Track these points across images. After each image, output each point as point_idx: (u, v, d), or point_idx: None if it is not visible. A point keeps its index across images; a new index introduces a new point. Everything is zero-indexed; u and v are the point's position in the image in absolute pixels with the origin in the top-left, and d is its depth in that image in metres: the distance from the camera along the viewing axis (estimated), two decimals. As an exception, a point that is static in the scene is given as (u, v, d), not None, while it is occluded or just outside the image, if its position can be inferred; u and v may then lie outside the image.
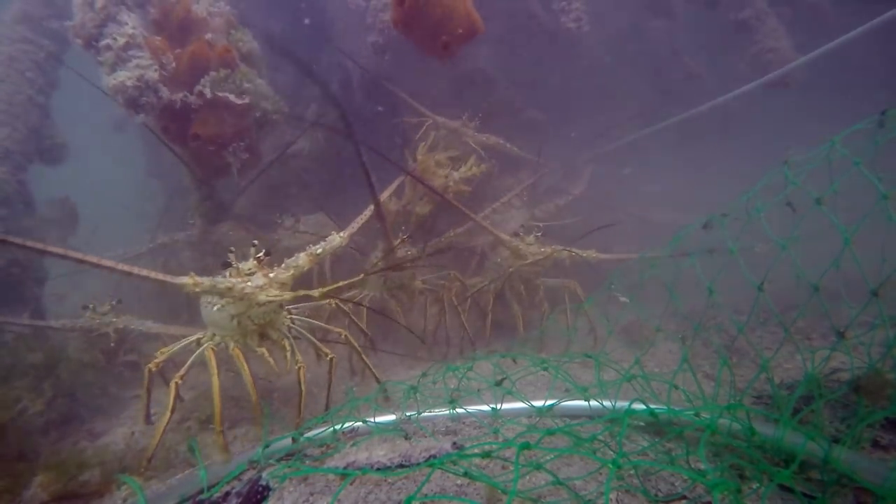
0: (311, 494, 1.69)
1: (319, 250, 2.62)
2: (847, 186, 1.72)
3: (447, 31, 4.01)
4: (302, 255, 2.58)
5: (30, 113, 4.54)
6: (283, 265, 2.52)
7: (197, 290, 2.19)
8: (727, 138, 7.48)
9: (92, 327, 3.66)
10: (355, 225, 2.95)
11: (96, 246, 5.53)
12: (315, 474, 1.79)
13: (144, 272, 2.10)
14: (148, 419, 2.82)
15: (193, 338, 2.67)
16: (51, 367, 2.92)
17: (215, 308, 2.51)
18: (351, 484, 1.69)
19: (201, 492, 1.77)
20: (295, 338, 2.67)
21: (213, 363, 2.36)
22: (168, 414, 2.30)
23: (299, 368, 2.54)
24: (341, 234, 2.79)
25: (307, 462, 1.90)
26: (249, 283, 2.35)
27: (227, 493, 1.51)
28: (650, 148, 7.14)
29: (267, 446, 2.06)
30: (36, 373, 2.85)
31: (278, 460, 1.93)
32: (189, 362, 2.50)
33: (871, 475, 1.49)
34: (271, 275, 2.45)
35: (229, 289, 2.29)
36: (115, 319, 3.76)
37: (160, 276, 2.13)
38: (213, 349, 2.44)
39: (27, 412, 2.66)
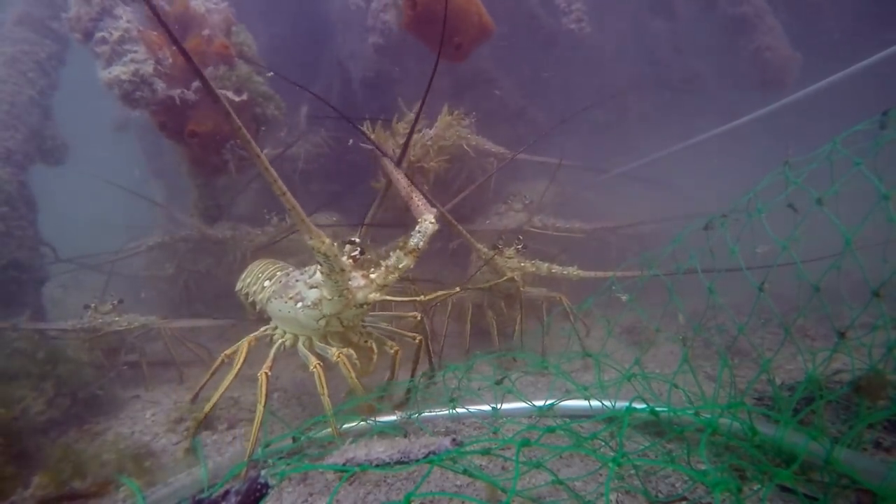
0: (311, 495, 1.69)
1: (421, 244, 2.26)
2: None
3: (459, 32, 4.00)
4: (401, 254, 2.27)
5: (31, 114, 4.54)
6: (382, 267, 2.31)
7: (322, 250, 1.98)
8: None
9: (94, 328, 3.66)
10: (418, 201, 2.48)
11: (96, 246, 5.54)
12: (314, 475, 1.79)
13: (292, 201, 1.82)
14: (195, 399, 2.90)
15: (262, 330, 2.57)
16: (52, 366, 2.90)
17: (299, 305, 2.35)
18: (350, 484, 1.69)
19: (202, 491, 1.76)
20: (375, 339, 2.49)
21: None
22: (261, 407, 2.14)
23: (395, 351, 2.51)
24: (430, 218, 2.35)
25: (306, 461, 1.90)
26: (351, 283, 2.20)
27: (227, 492, 1.50)
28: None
29: (267, 445, 2.07)
30: (37, 371, 2.83)
31: (279, 459, 1.94)
32: (272, 355, 2.37)
33: (872, 475, 1.48)
34: (373, 276, 2.28)
35: (343, 270, 2.12)
36: (117, 318, 3.76)
37: (303, 216, 1.87)
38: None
39: (29, 411, 2.65)
